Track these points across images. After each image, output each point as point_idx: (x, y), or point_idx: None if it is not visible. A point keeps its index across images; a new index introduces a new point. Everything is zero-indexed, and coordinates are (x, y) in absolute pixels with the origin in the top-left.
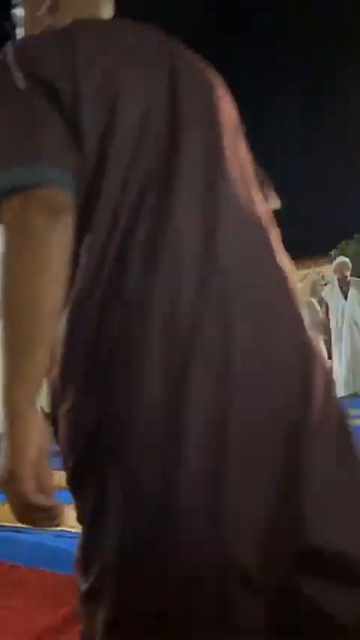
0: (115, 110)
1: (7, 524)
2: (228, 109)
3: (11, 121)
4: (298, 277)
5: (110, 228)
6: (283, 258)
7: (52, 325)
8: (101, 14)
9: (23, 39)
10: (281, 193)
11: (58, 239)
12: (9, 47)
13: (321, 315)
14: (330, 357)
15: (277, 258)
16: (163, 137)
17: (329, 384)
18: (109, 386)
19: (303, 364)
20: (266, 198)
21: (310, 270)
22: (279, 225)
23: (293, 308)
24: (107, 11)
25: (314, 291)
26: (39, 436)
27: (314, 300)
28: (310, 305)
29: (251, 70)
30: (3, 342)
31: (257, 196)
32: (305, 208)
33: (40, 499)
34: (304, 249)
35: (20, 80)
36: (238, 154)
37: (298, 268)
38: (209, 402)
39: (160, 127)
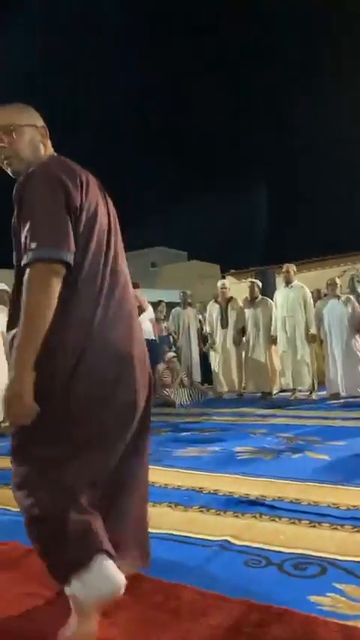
0: (94, 221)
1: None
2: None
3: (47, 219)
4: (337, 273)
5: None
6: (132, 303)
7: (45, 329)
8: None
9: (52, 164)
10: (322, 194)
11: (57, 290)
12: (43, 166)
13: (358, 310)
14: None
15: (130, 304)
16: (103, 241)
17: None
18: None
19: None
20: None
21: (349, 267)
22: (321, 223)
23: (136, 327)
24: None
25: (352, 287)
26: (31, 377)
27: (352, 297)
28: (348, 301)
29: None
30: (25, 335)
31: (124, 274)
32: (344, 206)
33: (29, 403)
34: (342, 246)
35: (55, 194)
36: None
37: (338, 265)
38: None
39: (104, 234)
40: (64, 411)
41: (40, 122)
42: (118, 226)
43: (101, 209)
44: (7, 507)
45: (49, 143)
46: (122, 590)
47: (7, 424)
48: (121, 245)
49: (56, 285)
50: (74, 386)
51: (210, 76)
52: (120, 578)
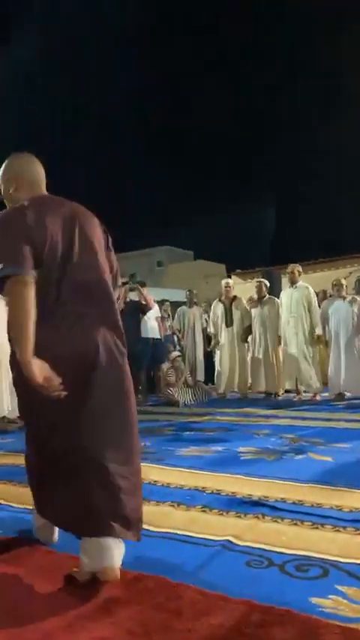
0: (49, 246)
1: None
2: (98, 234)
3: (9, 246)
4: (343, 274)
5: (45, 290)
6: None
7: (32, 326)
8: (42, 191)
9: (21, 206)
10: (328, 194)
11: (30, 295)
12: (13, 210)
13: None
14: None
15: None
16: (63, 259)
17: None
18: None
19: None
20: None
21: (356, 268)
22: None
23: (111, 308)
24: (43, 189)
25: (358, 288)
26: (37, 362)
27: (358, 298)
28: (354, 301)
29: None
30: (18, 334)
31: (103, 267)
32: (350, 207)
33: (41, 375)
34: (349, 247)
35: (18, 230)
36: (94, 255)
37: (344, 266)
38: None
39: (63, 252)
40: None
41: (12, 175)
42: (93, 244)
43: (64, 236)
44: (10, 503)
45: (30, 187)
46: None
47: (7, 421)
48: (92, 257)
49: (26, 291)
50: None
51: (210, 76)
52: None
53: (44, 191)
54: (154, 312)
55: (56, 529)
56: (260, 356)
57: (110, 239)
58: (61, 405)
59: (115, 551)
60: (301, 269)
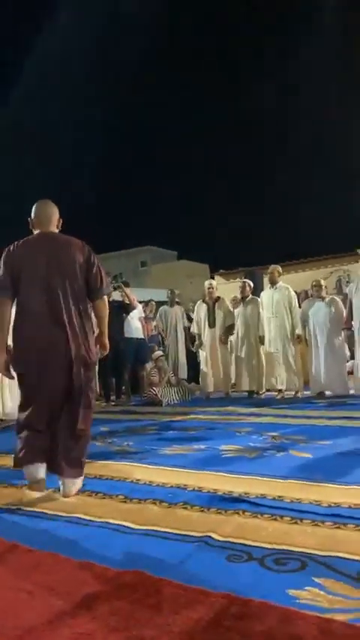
0: (22, 273)
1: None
2: (74, 260)
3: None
4: (324, 274)
5: (19, 306)
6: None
7: (6, 328)
8: (47, 229)
9: (14, 245)
10: (310, 195)
11: (5, 309)
12: (7, 248)
13: (345, 312)
14: (353, 357)
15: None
16: (38, 281)
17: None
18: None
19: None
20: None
21: (336, 268)
22: (310, 225)
23: (64, 321)
24: (49, 227)
25: (339, 288)
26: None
27: (337, 298)
28: (332, 301)
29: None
30: None
31: (70, 288)
32: (332, 208)
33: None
34: (330, 247)
35: (5, 263)
36: (68, 278)
37: (325, 266)
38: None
39: (38, 276)
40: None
41: (32, 216)
42: (67, 267)
43: (39, 261)
44: None
45: (39, 225)
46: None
47: None
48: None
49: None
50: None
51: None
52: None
53: (50, 228)
54: (138, 312)
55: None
56: (243, 355)
57: (93, 258)
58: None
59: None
60: (280, 270)
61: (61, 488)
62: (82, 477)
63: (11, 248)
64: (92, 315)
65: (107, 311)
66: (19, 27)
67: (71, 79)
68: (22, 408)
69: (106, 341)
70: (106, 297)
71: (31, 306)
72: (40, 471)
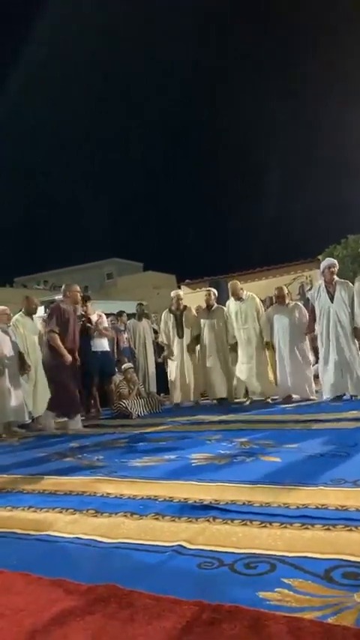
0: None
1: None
2: (74, 317)
3: (53, 318)
4: (287, 281)
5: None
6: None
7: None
8: (74, 301)
9: (58, 305)
10: (274, 203)
11: (57, 337)
12: (57, 304)
13: (304, 315)
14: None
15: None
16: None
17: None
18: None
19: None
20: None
21: (299, 274)
22: (272, 233)
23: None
24: (76, 299)
25: (302, 293)
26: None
27: (300, 303)
28: (295, 307)
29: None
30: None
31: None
32: (295, 217)
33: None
34: (293, 254)
35: (56, 314)
36: (73, 328)
37: (288, 273)
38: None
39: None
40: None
41: (64, 291)
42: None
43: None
44: None
45: (70, 299)
46: None
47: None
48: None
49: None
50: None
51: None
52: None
53: (75, 299)
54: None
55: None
56: (211, 364)
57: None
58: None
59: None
60: (240, 285)
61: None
62: None
63: (60, 307)
64: None
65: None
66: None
67: None
68: None
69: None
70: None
71: None
72: None
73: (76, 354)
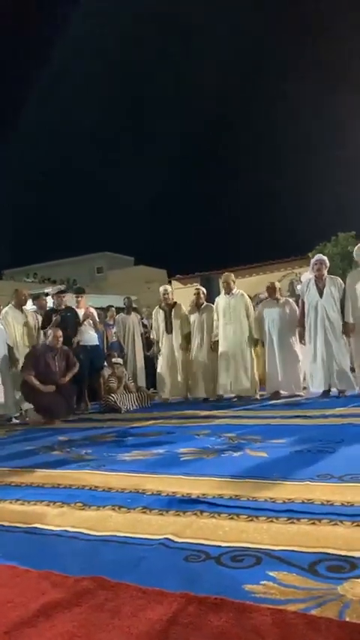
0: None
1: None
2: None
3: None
4: (277, 277)
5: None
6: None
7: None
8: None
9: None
10: (265, 203)
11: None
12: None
13: (295, 310)
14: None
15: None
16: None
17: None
18: None
19: None
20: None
21: (289, 271)
22: (263, 231)
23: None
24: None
25: (292, 290)
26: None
27: (290, 300)
28: (286, 303)
29: None
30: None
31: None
32: (286, 214)
33: None
34: (284, 252)
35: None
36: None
37: (278, 269)
38: None
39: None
40: None
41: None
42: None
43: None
44: None
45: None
46: None
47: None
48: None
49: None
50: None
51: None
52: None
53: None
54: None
55: None
56: (199, 361)
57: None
58: None
59: None
60: (234, 277)
61: None
62: None
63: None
64: None
65: None
66: None
67: None
68: None
69: None
70: None
71: None
72: None
73: (64, 377)
